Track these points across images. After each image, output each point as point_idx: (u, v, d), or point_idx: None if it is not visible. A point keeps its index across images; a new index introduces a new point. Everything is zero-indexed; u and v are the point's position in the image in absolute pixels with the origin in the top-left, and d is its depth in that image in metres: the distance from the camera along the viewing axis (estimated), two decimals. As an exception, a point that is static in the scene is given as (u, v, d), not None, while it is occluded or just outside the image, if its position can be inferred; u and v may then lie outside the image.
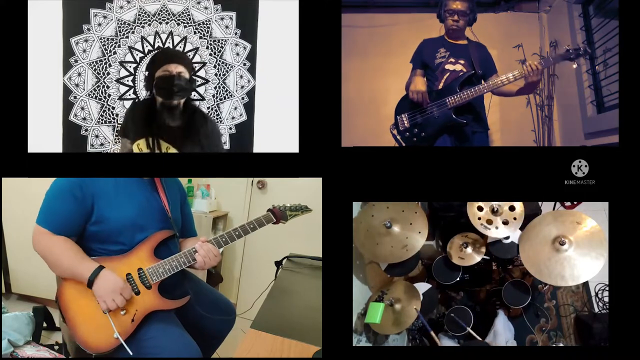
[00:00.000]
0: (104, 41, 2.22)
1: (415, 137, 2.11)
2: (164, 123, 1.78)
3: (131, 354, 1.43)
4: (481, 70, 2.10)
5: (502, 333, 1.83)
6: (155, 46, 2.24)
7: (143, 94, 2.21)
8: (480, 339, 1.74)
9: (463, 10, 2.10)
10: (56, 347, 2.03)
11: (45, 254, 1.51)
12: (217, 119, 2.28)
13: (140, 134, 1.79)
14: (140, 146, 1.78)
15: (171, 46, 2.23)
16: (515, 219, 1.75)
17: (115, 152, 2.19)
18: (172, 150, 1.76)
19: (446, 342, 1.83)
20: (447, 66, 2.13)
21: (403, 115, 2.14)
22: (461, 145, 2.13)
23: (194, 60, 2.24)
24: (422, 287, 1.87)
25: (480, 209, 1.78)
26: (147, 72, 1.82)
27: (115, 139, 2.21)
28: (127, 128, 1.88)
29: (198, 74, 2.26)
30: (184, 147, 1.76)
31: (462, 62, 2.13)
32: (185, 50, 2.24)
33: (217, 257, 1.60)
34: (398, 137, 2.13)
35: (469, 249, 1.82)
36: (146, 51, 2.24)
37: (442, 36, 2.21)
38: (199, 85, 2.26)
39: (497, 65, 2.23)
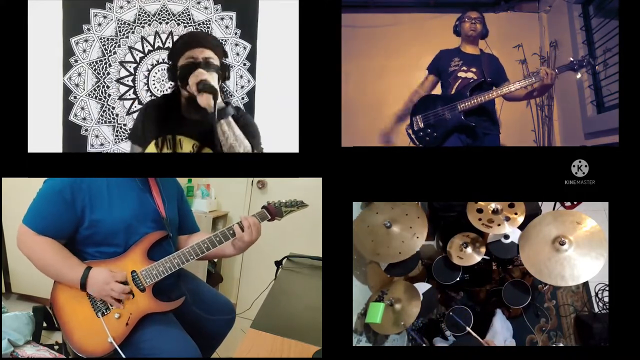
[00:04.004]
0: (104, 41, 2.22)
1: (428, 137, 2.25)
2: (188, 117, 1.60)
3: (124, 357, 1.41)
4: (490, 78, 2.25)
5: (500, 332, 1.82)
6: (155, 46, 2.24)
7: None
8: (480, 339, 1.73)
9: (479, 17, 2.32)
10: (56, 347, 2.03)
11: (29, 254, 1.48)
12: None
13: (154, 136, 1.59)
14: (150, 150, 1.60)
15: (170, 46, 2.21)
16: (516, 213, 1.76)
17: (116, 152, 2.19)
18: (190, 143, 1.57)
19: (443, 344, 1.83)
20: (460, 74, 2.29)
21: (418, 117, 2.28)
22: (463, 146, 2.19)
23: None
24: (422, 287, 1.87)
25: (480, 211, 1.78)
26: (170, 62, 1.60)
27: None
28: (137, 132, 1.66)
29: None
30: (208, 141, 1.54)
31: (473, 70, 2.28)
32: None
33: (259, 232, 1.60)
34: (413, 136, 2.30)
35: (469, 249, 1.82)
36: (146, 51, 2.24)
37: (458, 47, 2.37)
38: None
39: (497, 66, 2.31)
